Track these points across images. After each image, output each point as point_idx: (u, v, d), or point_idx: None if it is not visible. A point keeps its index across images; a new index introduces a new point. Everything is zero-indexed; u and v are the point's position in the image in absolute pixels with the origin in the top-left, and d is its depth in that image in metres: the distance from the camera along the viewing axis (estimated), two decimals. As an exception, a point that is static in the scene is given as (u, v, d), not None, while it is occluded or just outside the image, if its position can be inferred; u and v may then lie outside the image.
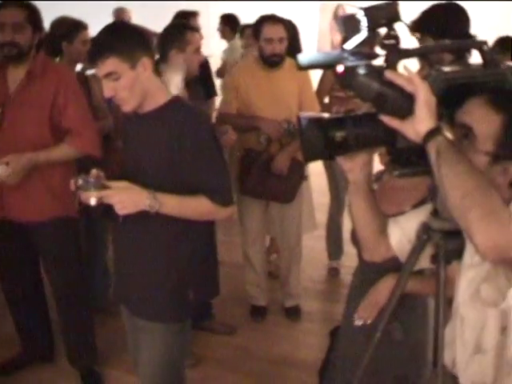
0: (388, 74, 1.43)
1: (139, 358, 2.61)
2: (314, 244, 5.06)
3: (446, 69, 1.56)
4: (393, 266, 1.98)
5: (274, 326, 4.23)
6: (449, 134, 1.42)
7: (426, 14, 2.97)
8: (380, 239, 1.86)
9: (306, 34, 8.86)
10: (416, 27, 2.87)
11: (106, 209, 2.21)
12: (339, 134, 1.56)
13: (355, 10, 1.58)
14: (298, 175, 3.97)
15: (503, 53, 5.23)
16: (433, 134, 1.40)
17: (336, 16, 11.18)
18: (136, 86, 2.22)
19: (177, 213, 2.30)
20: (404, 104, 1.43)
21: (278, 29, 3.82)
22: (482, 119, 1.45)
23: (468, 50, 2.39)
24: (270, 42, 3.78)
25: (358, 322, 2.33)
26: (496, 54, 4.55)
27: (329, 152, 1.61)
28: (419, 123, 1.41)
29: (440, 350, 1.78)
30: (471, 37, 3.01)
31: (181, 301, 2.47)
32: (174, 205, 2.28)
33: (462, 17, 3.05)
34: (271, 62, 3.83)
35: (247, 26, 5.89)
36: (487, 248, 1.27)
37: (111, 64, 2.16)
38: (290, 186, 3.95)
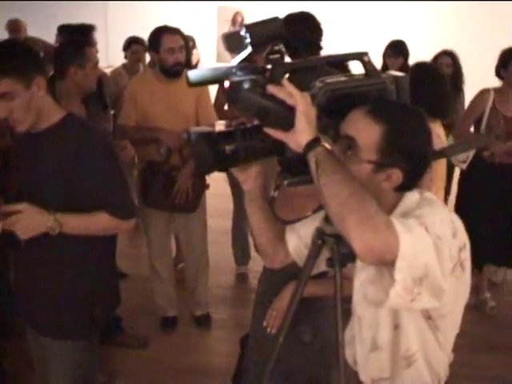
0: (270, 88, 1.48)
1: (48, 378, 2.56)
2: (221, 250, 5.10)
3: (330, 80, 1.63)
4: (296, 271, 2.04)
5: (185, 336, 4.23)
6: (327, 145, 1.47)
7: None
8: (278, 246, 1.91)
9: (203, 40, 8.96)
10: None
11: (6, 235, 2.17)
12: (229, 147, 1.60)
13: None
14: (199, 184, 3.99)
15: (395, 56, 5.47)
16: (312, 144, 1.46)
17: (235, 22, 11.32)
18: (31, 106, 2.19)
19: (79, 231, 2.29)
20: (285, 117, 1.48)
21: (177, 38, 3.85)
22: (363, 130, 1.51)
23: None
24: (172, 52, 3.79)
25: (271, 330, 2.37)
26: (389, 58, 4.65)
27: (220, 165, 1.64)
28: (299, 135, 1.47)
29: (340, 349, 1.85)
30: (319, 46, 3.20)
31: (87, 317, 2.46)
32: (75, 224, 2.27)
33: (310, 26, 3.22)
34: (175, 71, 3.83)
35: (134, 41, 5.89)
36: (364, 252, 1.32)
37: (5, 85, 2.11)
38: (193, 196, 3.97)
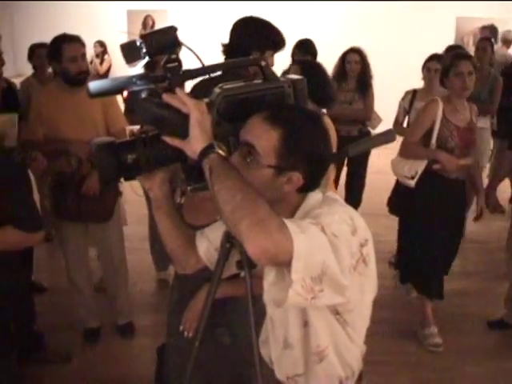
0: (165, 98, 1.50)
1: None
2: (141, 257, 5.07)
3: (228, 85, 1.65)
4: (209, 275, 2.05)
5: (109, 346, 4.17)
6: (221, 151, 1.50)
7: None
8: (189, 251, 1.92)
9: (115, 45, 8.85)
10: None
11: None
12: (130, 157, 1.61)
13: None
14: (112, 192, 3.96)
15: (302, 55, 5.57)
16: (206, 152, 1.48)
17: (146, 26, 11.23)
18: None
19: None
20: (180, 125, 1.51)
21: (78, 46, 3.79)
22: (261, 136, 1.54)
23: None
24: (74, 60, 3.73)
25: (188, 334, 2.39)
26: (296, 56, 4.71)
27: (123, 174, 1.65)
28: (194, 142, 1.50)
29: (255, 348, 1.89)
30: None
31: (2, 335, 2.40)
32: None
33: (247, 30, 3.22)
34: (79, 80, 3.75)
35: (37, 46, 5.70)
36: (257, 255, 1.35)
37: None
38: (106, 204, 3.93)
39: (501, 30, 10.84)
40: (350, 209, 1.60)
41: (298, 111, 1.62)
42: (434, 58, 5.06)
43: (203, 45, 9.42)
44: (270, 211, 1.37)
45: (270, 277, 1.51)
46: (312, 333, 1.64)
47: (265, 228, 1.33)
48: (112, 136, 3.17)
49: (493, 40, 6.37)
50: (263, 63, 1.67)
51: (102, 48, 10.40)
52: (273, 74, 1.69)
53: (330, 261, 1.41)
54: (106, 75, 10.16)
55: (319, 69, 3.39)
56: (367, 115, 5.55)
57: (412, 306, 4.73)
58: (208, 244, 1.90)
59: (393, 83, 9.71)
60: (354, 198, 5.70)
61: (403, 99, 5.26)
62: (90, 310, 4.23)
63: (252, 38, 3.06)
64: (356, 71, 5.45)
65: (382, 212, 5.62)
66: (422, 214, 4.12)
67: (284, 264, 1.38)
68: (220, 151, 1.49)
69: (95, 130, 3.78)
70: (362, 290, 1.60)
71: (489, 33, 10.88)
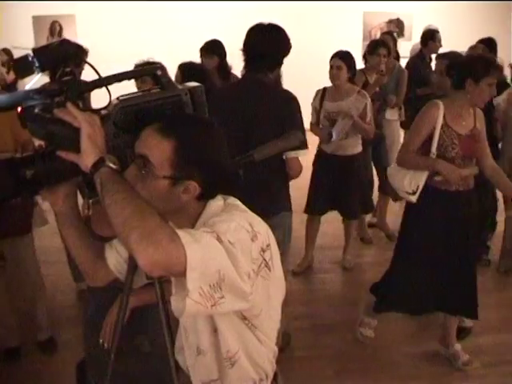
0: (56, 112, 1.49)
1: None
2: (59, 269, 4.96)
3: (125, 96, 1.65)
4: (122, 286, 2.05)
5: (31, 364, 4.06)
6: (112, 165, 1.50)
7: None
8: (98, 264, 1.90)
9: (21, 51, 8.62)
10: None
11: None
12: (29, 172, 1.58)
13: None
14: (29, 203, 3.86)
15: (209, 56, 5.63)
16: (97, 165, 1.49)
17: (52, 32, 10.96)
18: None
19: None
20: (72, 139, 1.50)
21: None
22: (154, 147, 1.54)
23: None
24: None
25: (108, 345, 2.37)
26: (204, 58, 4.70)
27: (23, 190, 1.62)
28: (85, 156, 1.50)
29: (171, 356, 1.90)
30: None
31: None
32: None
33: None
34: None
35: None
36: (148, 267, 1.36)
37: None
38: (23, 216, 3.83)
39: (406, 23, 11.21)
40: (250, 215, 1.62)
41: (191, 120, 1.63)
42: (336, 55, 5.01)
43: (111, 49, 9.36)
44: (160, 223, 1.38)
45: (171, 287, 1.51)
46: (222, 339, 1.66)
47: (154, 240, 1.34)
48: (21, 146, 3.11)
49: (395, 34, 6.55)
50: (159, 72, 1.67)
51: (7, 56, 10.07)
52: (170, 82, 1.69)
53: (226, 268, 1.42)
54: (13, 84, 9.87)
55: (197, 70, 3.38)
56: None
57: (328, 299, 4.84)
58: (117, 255, 1.89)
59: (305, 81, 9.92)
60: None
61: (314, 99, 5.20)
62: (8, 328, 4.10)
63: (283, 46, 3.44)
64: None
65: (299, 208, 5.69)
66: (420, 234, 3.76)
67: (179, 274, 1.39)
68: (111, 164, 1.49)
69: (5, 144, 3.67)
70: (268, 293, 1.63)
71: (395, 26, 11.24)
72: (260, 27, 3.46)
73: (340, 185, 5.08)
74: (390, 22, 11.32)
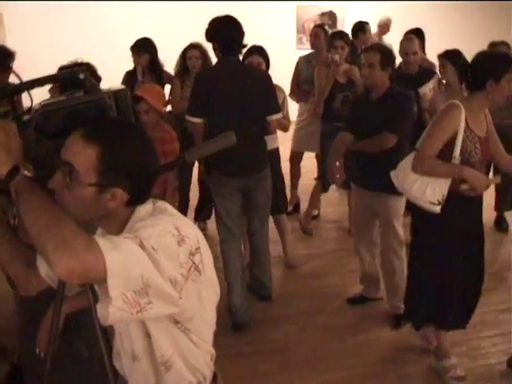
0: None
1: None
2: (-4, 278, 4.82)
3: (47, 101, 1.61)
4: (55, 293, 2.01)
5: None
6: (27, 173, 1.48)
7: None
8: (30, 273, 1.86)
9: None
10: None
11: None
12: None
13: None
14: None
15: (139, 54, 5.60)
16: (12, 174, 1.46)
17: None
18: None
19: None
20: None
21: None
22: (78, 154, 1.50)
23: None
24: None
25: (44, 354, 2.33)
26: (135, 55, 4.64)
27: None
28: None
29: (107, 361, 1.88)
30: None
31: None
32: None
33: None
34: None
35: None
36: (65, 276, 1.34)
37: None
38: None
39: (339, 15, 11.33)
40: (178, 218, 1.61)
41: (116, 125, 1.60)
42: (253, 51, 4.88)
43: (41, 50, 9.14)
44: (76, 231, 1.36)
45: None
46: (155, 344, 1.65)
47: (70, 248, 1.32)
48: None
49: (326, 27, 6.58)
50: (81, 75, 1.63)
51: None
52: (93, 86, 1.66)
53: (149, 274, 1.41)
54: None
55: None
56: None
57: (273, 294, 4.86)
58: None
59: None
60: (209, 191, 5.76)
61: None
62: None
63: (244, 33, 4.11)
64: (197, 67, 5.41)
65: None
66: (441, 240, 3.51)
67: (100, 281, 1.37)
68: (26, 172, 1.46)
69: None
70: (200, 297, 1.63)
71: (328, 19, 11.34)
72: (228, 18, 4.10)
73: None
74: (323, 14, 11.41)
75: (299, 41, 10.89)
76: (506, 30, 11.18)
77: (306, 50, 6.27)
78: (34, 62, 6.59)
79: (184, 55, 5.52)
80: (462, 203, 3.42)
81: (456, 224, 3.46)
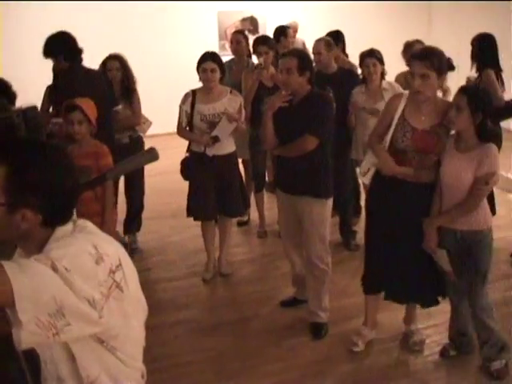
0: None
1: None
2: None
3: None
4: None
5: None
6: None
7: None
8: None
9: None
10: None
11: None
12: None
13: None
14: None
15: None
16: None
17: None
18: None
19: None
20: None
21: None
22: None
23: None
24: None
25: None
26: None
27: None
28: None
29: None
30: None
31: None
32: None
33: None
34: None
35: None
36: None
37: None
38: None
39: (260, 20, 11.40)
40: (97, 236, 1.58)
41: (23, 144, 1.56)
42: (207, 57, 4.76)
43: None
44: None
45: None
46: (80, 365, 1.62)
47: None
48: None
49: (246, 32, 6.62)
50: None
51: None
52: (2, 104, 1.62)
53: (63, 295, 1.38)
54: None
55: None
56: (136, 121, 5.49)
57: (204, 302, 4.88)
58: None
59: (163, 83, 9.88)
60: (136, 204, 5.75)
61: (184, 103, 4.91)
62: None
63: None
64: (118, 78, 5.36)
65: (167, 214, 5.69)
66: (372, 215, 3.92)
67: (8, 306, 1.34)
68: None
69: None
70: (125, 314, 1.60)
71: (249, 24, 11.40)
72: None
73: (223, 184, 4.97)
74: (245, 20, 11.45)
75: (222, 47, 10.86)
76: (425, 28, 11.52)
77: (229, 55, 6.25)
78: None
79: (104, 66, 5.42)
80: (390, 184, 3.68)
81: (378, 200, 3.81)
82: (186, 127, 4.95)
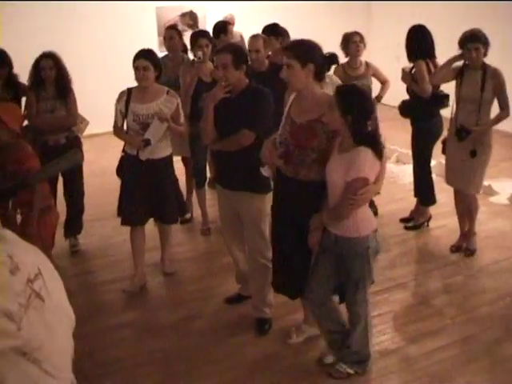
0: None
1: None
2: None
3: None
4: None
5: None
6: None
7: None
8: None
9: None
10: None
11: None
12: None
13: None
14: None
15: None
16: None
17: None
18: None
19: None
20: None
21: None
22: None
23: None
24: None
25: None
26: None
27: None
28: None
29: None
30: None
31: None
32: None
33: None
34: None
35: None
36: None
37: None
38: None
39: (200, 14, 11.31)
40: (15, 246, 1.52)
41: None
42: (140, 55, 4.60)
43: None
44: None
45: None
46: (3, 381, 1.54)
47: None
48: None
49: (187, 27, 6.56)
50: None
51: None
52: None
53: None
54: None
55: None
56: (72, 121, 5.35)
57: (150, 304, 4.83)
58: None
59: (103, 82, 9.71)
60: (76, 206, 5.62)
61: (118, 101, 4.74)
62: None
63: None
64: (52, 77, 5.20)
65: (109, 214, 5.57)
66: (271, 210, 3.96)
67: None
68: None
69: None
70: (47, 324, 1.54)
71: (189, 19, 11.30)
72: None
73: (157, 191, 4.81)
74: (184, 15, 11.34)
75: (162, 43, 10.76)
76: (365, 20, 11.63)
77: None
78: None
79: (36, 66, 5.24)
80: (280, 180, 3.74)
81: (274, 196, 3.89)
82: (123, 127, 4.80)
